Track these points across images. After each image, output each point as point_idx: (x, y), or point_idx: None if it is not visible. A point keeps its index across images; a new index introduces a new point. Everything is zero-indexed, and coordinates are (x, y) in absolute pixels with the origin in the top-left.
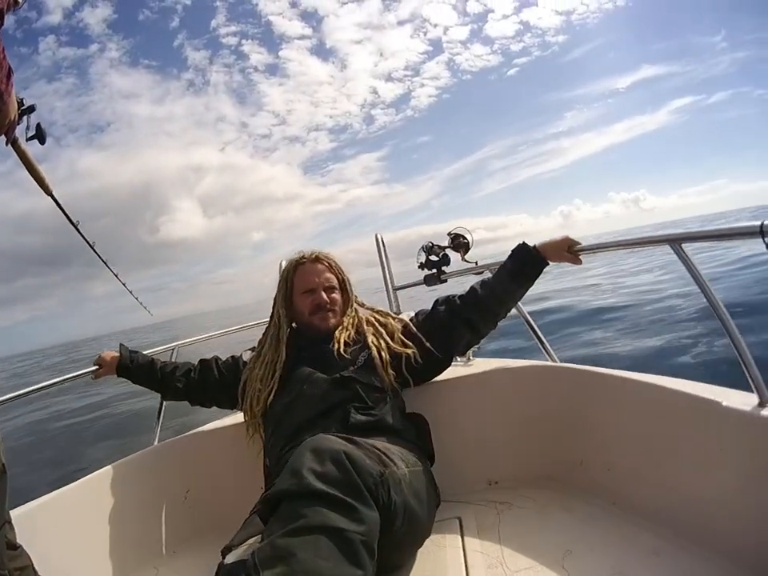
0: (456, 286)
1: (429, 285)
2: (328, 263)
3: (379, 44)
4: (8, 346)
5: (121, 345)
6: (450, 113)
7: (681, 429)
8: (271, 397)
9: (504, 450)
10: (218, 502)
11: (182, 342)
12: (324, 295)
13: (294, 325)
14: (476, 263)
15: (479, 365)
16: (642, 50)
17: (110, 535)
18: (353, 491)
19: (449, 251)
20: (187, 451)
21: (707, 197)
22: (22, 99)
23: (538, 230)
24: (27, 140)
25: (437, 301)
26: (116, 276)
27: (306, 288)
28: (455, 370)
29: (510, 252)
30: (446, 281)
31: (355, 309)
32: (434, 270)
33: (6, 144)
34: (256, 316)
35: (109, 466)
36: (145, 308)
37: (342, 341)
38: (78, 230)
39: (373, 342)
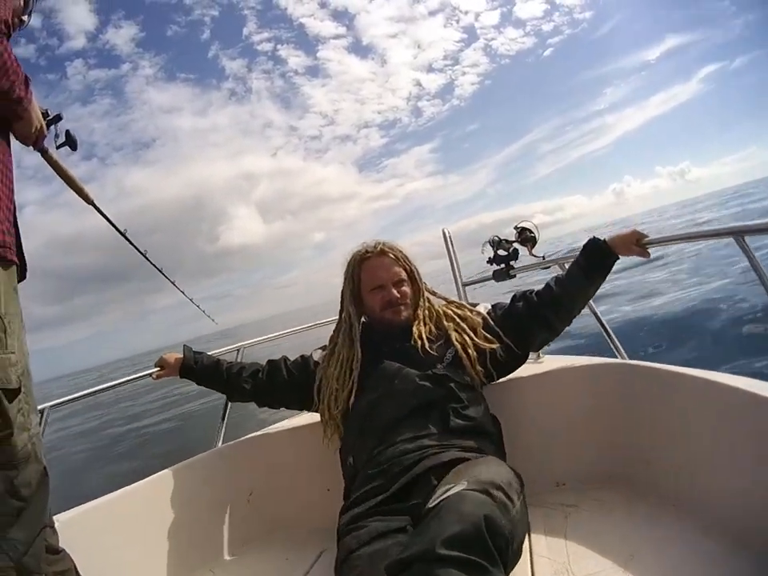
0: (524, 282)
1: (498, 280)
2: (394, 255)
3: (414, 36)
4: (68, 364)
5: (185, 346)
6: (494, 99)
7: (752, 431)
8: (352, 397)
9: (571, 451)
10: (282, 503)
11: (248, 342)
12: (394, 291)
13: (363, 319)
14: (543, 257)
15: (549, 362)
16: (664, 19)
17: (167, 538)
18: (486, 554)
19: (516, 245)
20: (251, 452)
21: (743, 164)
22: (46, 110)
23: (594, 210)
24: (58, 147)
25: (514, 296)
26: (173, 283)
27: (375, 285)
28: (525, 368)
29: (581, 246)
30: (514, 276)
31: (427, 298)
32: (503, 266)
33: (35, 149)
34: (318, 318)
35: (170, 469)
36: (208, 316)
37: (423, 336)
38: (126, 238)
39: (457, 339)
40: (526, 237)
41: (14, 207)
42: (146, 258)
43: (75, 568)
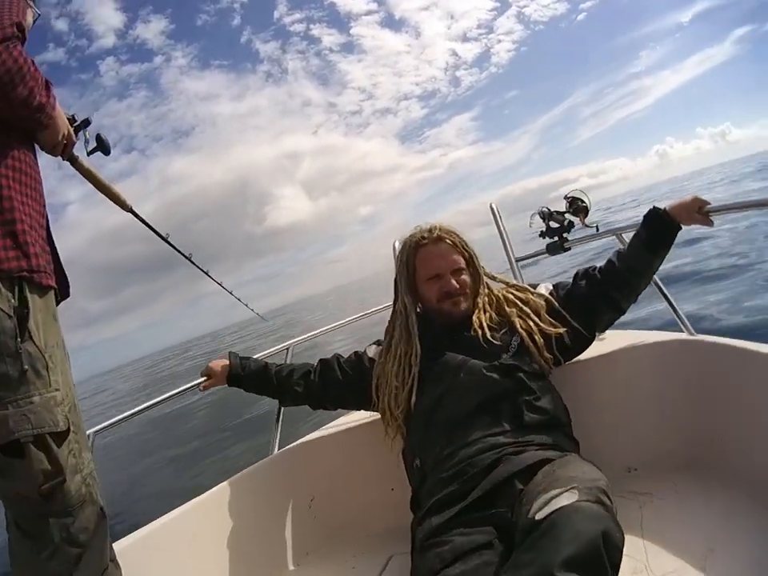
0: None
1: (552, 254)
2: (452, 241)
3: (446, 7)
4: (122, 354)
5: (230, 353)
6: (532, 65)
7: None
8: (413, 396)
9: (641, 434)
10: (345, 507)
11: (296, 340)
12: (453, 281)
13: (419, 309)
14: (596, 227)
15: (613, 339)
16: None
17: (228, 554)
18: (601, 572)
19: (568, 216)
20: (309, 456)
21: None
22: (73, 115)
23: (638, 172)
24: (89, 153)
25: (576, 275)
26: (220, 284)
27: (432, 274)
28: (589, 348)
29: (642, 218)
30: (569, 249)
31: (486, 284)
32: (556, 238)
33: (64, 159)
34: (369, 293)
35: (226, 482)
36: (257, 314)
37: (484, 325)
38: (169, 243)
39: (521, 326)
40: (578, 207)
41: (47, 222)
42: (191, 262)
43: None
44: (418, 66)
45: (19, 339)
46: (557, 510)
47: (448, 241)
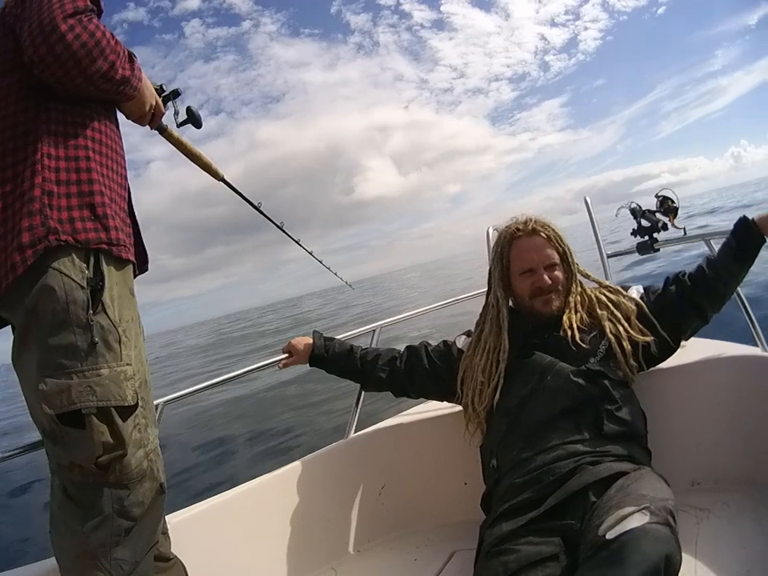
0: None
1: (642, 253)
2: (546, 235)
3: None
4: (200, 312)
5: (314, 332)
6: (617, 54)
7: None
8: (498, 394)
9: (709, 448)
10: (414, 497)
11: (384, 322)
12: (545, 276)
13: (511, 304)
14: (684, 230)
15: (694, 348)
16: None
17: (289, 535)
18: None
19: (660, 216)
20: (385, 442)
21: None
22: (161, 85)
23: (716, 173)
24: (179, 125)
25: (667, 280)
26: (310, 253)
27: (525, 268)
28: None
29: (732, 227)
30: (658, 250)
31: (580, 283)
32: (647, 238)
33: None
34: (450, 270)
35: (297, 461)
36: (345, 282)
37: (574, 326)
38: (261, 212)
39: (611, 330)
40: (669, 207)
41: (129, 195)
42: (283, 231)
43: (186, 574)
44: (508, 48)
45: (91, 311)
46: (627, 531)
47: (543, 234)
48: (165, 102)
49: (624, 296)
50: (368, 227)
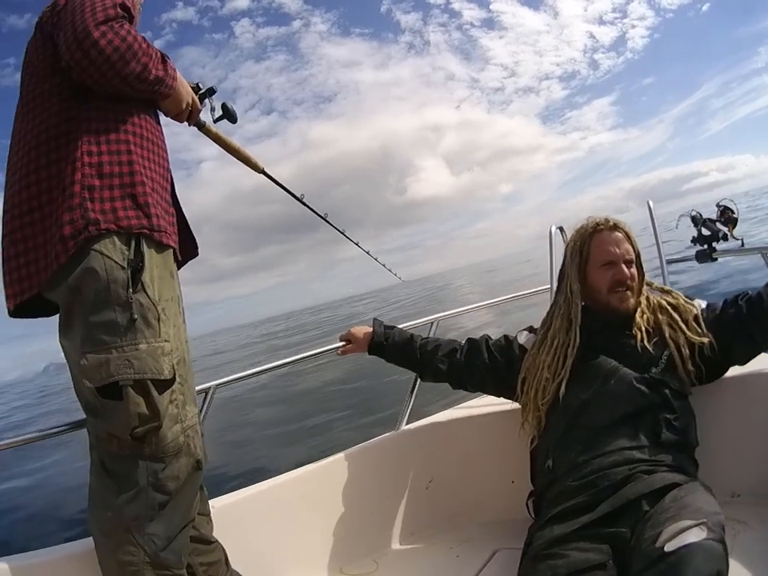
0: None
1: (700, 261)
2: (626, 232)
3: None
4: (254, 312)
5: (374, 320)
6: (666, 52)
7: None
8: (563, 388)
9: (752, 460)
10: (461, 493)
11: (443, 314)
12: (626, 269)
13: (582, 302)
14: (742, 241)
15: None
16: None
17: (332, 526)
18: None
19: (721, 227)
20: (435, 437)
21: None
22: (197, 83)
23: (762, 170)
24: (215, 121)
25: (725, 303)
26: (356, 244)
27: (606, 260)
28: None
29: None
30: (716, 259)
31: (646, 289)
32: (706, 247)
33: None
34: (506, 269)
35: (345, 452)
36: (394, 274)
37: (643, 328)
38: (304, 203)
39: (671, 336)
40: (729, 217)
41: (172, 185)
42: (327, 221)
43: (226, 559)
44: (558, 47)
45: (131, 290)
46: (685, 545)
47: (622, 231)
48: (201, 100)
49: (684, 300)
50: (422, 227)
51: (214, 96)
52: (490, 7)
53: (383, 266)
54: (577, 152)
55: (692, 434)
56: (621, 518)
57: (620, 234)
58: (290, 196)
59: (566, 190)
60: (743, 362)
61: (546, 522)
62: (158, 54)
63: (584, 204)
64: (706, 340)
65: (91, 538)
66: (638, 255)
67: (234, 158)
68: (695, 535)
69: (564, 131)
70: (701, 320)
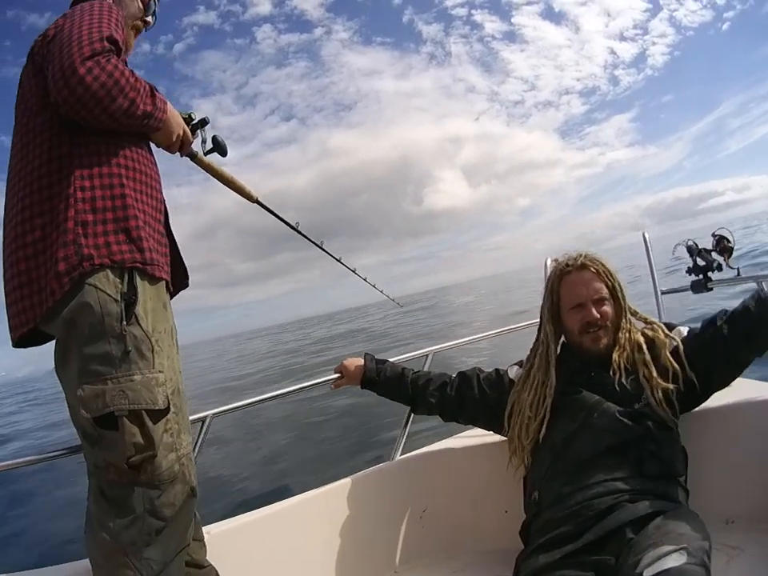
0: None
1: (695, 292)
2: (596, 269)
3: (603, 3)
4: (269, 316)
5: (366, 354)
6: (685, 70)
7: None
8: (543, 429)
9: (744, 486)
10: (455, 523)
11: (437, 347)
12: (594, 311)
13: (563, 340)
14: (738, 271)
15: (740, 388)
16: None
17: (325, 556)
18: None
19: (716, 256)
20: (430, 467)
21: None
22: (189, 114)
23: None
24: (206, 154)
25: (704, 324)
26: (353, 271)
27: (574, 303)
28: (715, 395)
29: None
30: (711, 289)
31: (630, 321)
32: (701, 277)
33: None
34: (521, 282)
35: (343, 480)
36: (392, 300)
37: (622, 368)
38: (299, 231)
39: (645, 376)
40: (724, 246)
41: (166, 216)
42: (322, 249)
43: None
44: (579, 62)
45: (125, 322)
46: (664, 570)
47: (592, 269)
48: (194, 131)
49: (663, 333)
50: (439, 238)
51: (206, 127)
52: (512, 20)
53: (381, 292)
54: (595, 168)
55: (678, 464)
56: (605, 546)
57: (589, 273)
58: (306, 206)
59: (583, 205)
60: (727, 382)
61: (532, 551)
62: (147, 87)
63: (601, 220)
64: (671, 386)
65: (87, 560)
66: (613, 290)
67: (228, 189)
68: (674, 560)
69: (582, 147)
70: (680, 351)
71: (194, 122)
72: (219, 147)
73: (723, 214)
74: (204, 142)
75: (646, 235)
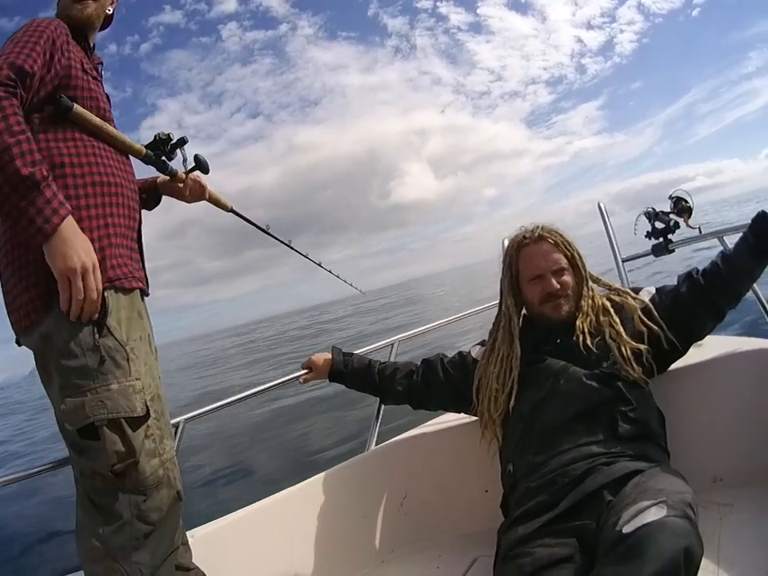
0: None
1: (657, 255)
2: (554, 240)
3: None
4: (240, 314)
5: (333, 348)
6: (654, 57)
7: None
8: (512, 400)
9: (733, 444)
10: (436, 506)
11: (401, 336)
12: (554, 281)
13: (524, 312)
14: (699, 229)
15: (712, 345)
16: None
17: (311, 549)
18: None
19: (673, 216)
20: (405, 454)
21: None
22: (168, 134)
23: (750, 175)
24: (187, 173)
25: (679, 279)
26: (319, 265)
27: (533, 275)
28: (687, 353)
29: (749, 222)
30: (673, 251)
31: (591, 288)
32: (661, 239)
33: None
34: (487, 273)
35: (317, 476)
36: (355, 288)
37: (586, 331)
38: (270, 233)
39: (611, 337)
40: (682, 207)
41: (139, 225)
42: (291, 248)
43: None
44: (545, 51)
45: (97, 335)
46: (644, 525)
47: (550, 240)
48: (173, 150)
49: (631, 297)
50: (407, 231)
51: (185, 146)
52: (478, 11)
53: (344, 281)
54: (562, 156)
55: (653, 423)
56: (584, 511)
57: (547, 245)
58: (272, 202)
59: (551, 194)
60: (705, 334)
61: (511, 523)
62: (32, 158)
63: (570, 208)
64: (642, 347)
65: (81, 572)
66: (572, 260)
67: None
68: (654, 514)
69: (550, 136)
70: (651, 309)
71: (172, 141)
72: (201, 165)
73: (695, 198)
74: (185, 160)
75: (602, 205)
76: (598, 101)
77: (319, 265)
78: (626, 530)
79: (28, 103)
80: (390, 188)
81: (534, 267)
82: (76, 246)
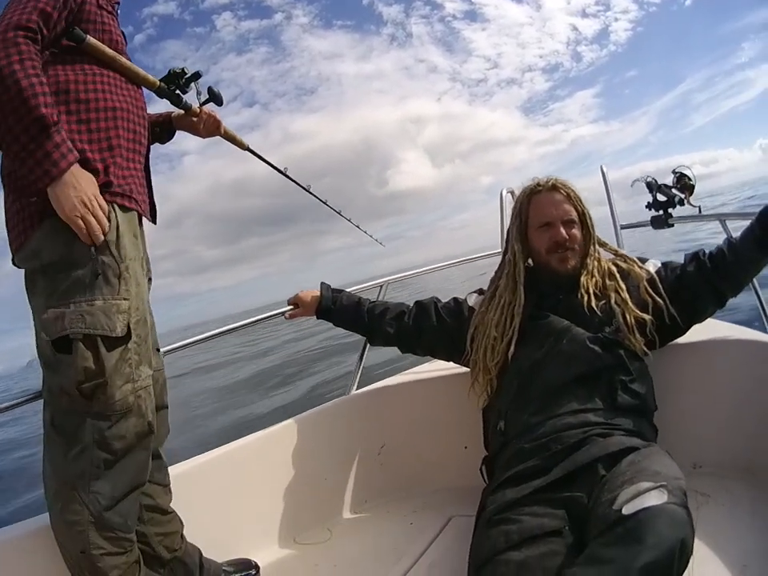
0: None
1: (655, 227)
2: (566, 192)
3: None
4: (239, 303)
5: (322, 284)
6: (649, 45)
7: None
8: (512, 348)
9: (713, 431)
10: (414, 459)
11: (393, 277)
12: (563, 231)
13: (530, 262)
14: (699, 208)
15: (709, 328)
16: None
17: (285, 494)
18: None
19: (676, 192)
20: (387, 401)
21: None
22: (182, 68)
23: (745, 165)
24: (201, 105)
25: (686, 258)
26: (338, 213)
27: (543, 221)
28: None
29: (757, 214)
30: (672, 225)
31: (598, 251)
32: (661, 212)
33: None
34: (484, 262)
35: (295, 417)
36: (376, 240)
37: (591, 290)
38: (287, 176)
39: (617, 303)
40: (685, 183)
41: (148, 150)
42: (310, 192)
43: (182, 531)
44: (541, 39)
45: (93, 249)
46: (645, 508)
47: (562, 192)
48: (188, 84)
49: (637, 265)
50: (404, 218)
51: (199, 80)
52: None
53: (364, 231)
54: (559, 144)
55: (650, 398)
56: (576, 482)
57: (559, 195)
58: (271, 190)
59: None
60: (705, 317)
61: (498, 485)
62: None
63: (575, 185)
64: (647, 317)
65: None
66: (582, 216)
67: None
68: (655, 498)
69: (546, 123)
70: (657, 283)
71: (187, 75)
72: (215, 97)
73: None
74: (199, 93)
75: (604, 169)
76: (594, 89)
77: (339, 213)
78: (626, 510)
79: (47, 41)
80: (387, 176)
81: (545, 215)
82: (78, 190)
